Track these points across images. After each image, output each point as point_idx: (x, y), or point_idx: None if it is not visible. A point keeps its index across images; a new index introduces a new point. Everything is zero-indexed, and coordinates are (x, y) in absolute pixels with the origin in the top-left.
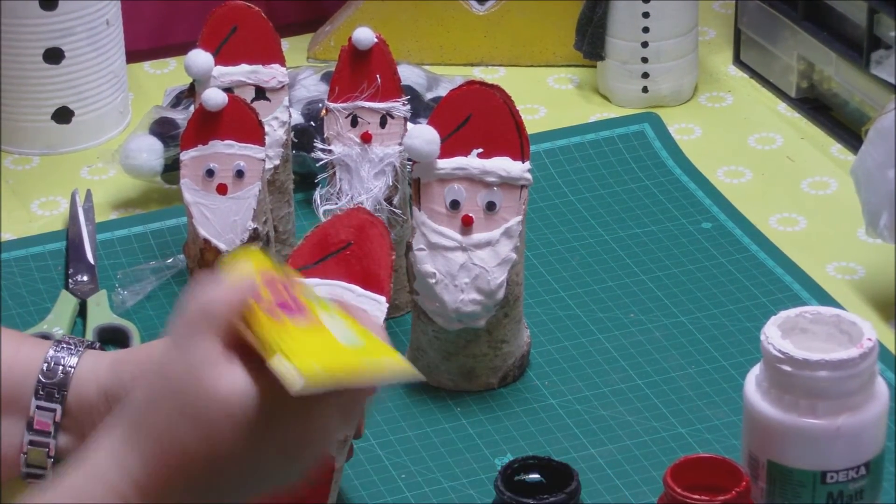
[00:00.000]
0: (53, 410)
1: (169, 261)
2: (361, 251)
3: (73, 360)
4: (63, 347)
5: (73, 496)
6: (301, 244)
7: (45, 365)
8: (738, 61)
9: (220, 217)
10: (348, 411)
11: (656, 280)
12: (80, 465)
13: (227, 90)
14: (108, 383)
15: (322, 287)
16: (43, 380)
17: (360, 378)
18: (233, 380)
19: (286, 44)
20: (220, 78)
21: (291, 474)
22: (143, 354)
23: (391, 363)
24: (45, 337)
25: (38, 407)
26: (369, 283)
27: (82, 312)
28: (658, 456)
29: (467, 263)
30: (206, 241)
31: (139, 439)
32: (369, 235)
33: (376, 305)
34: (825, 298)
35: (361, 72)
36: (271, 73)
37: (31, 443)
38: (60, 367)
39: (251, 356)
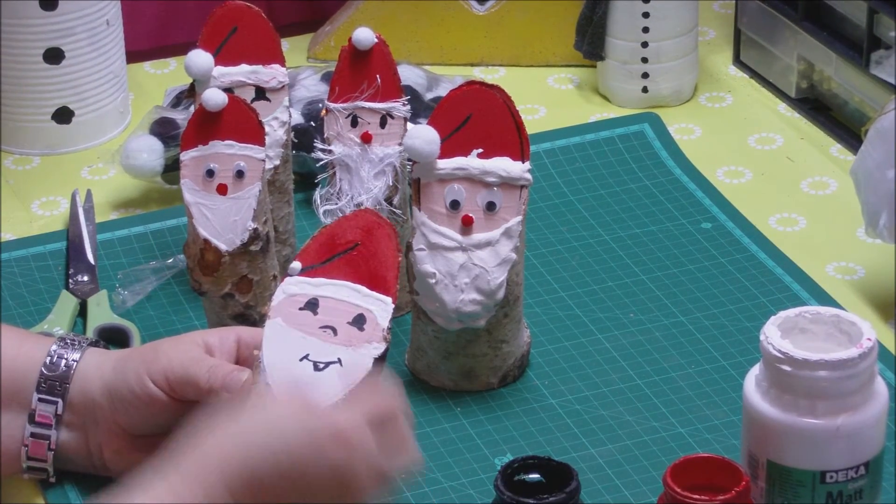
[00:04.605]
0: (55, 403)
1: (169, 261)
2: (368, 252)
3: (76, 356)
4: (66, 344)
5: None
6: (308, 244)
7: (48, 359)
8: (738, 61)
9: (221, 217)
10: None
11: (656, 280)
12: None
13: (228, 90)
14: (112, 380)
15: (328, 287)
16: (45, 372)
17: None
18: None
19: (286, 44)
20: (220, 78)
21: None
22: (147, 353)
23: None
24: (47, 336)
25: (40, 400)
26: (376, 284)
27: (83, 312)
28: (658, 456)
29: (467, 263)
30: (207, 241)
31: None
32: (377, 237)
33: (382, 306)
34: (825, 298)
35: (361, 72)
36: (271, 74)
37: (33, 435)
38: (63, 362)
39: None
